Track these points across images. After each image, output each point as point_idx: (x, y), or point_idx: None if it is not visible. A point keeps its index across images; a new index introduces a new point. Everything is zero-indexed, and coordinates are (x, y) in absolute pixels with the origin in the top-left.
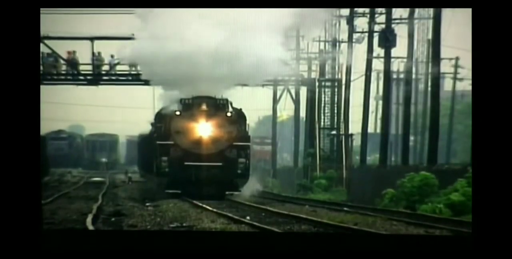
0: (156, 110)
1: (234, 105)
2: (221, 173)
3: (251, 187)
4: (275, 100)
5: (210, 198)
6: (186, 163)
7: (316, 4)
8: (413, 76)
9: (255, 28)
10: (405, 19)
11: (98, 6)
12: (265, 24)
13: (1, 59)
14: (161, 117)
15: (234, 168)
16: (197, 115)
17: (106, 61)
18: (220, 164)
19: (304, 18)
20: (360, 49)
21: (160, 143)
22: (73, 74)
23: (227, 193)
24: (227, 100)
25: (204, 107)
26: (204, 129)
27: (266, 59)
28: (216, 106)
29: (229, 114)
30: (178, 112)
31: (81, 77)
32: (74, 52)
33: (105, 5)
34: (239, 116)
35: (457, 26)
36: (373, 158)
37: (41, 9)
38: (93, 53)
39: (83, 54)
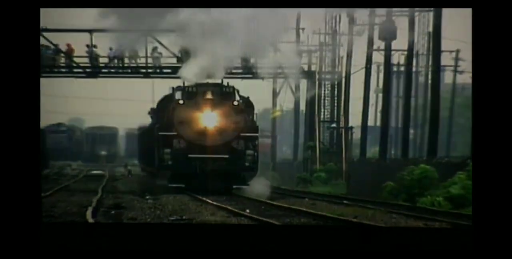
0: (156, 101)
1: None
2: (228, 165)
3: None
4: (275, 93)
5: (216, 193)
6: (190, 155)
7: (316, 4)
8: (413, 69)
9: (254, 23)
10: (405, 11)
11: (98, 6)
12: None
13: (0, 53)
14: (163, 107)
15: (241, 160)
16: (202, 104)
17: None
18: (226, 156)
19: (304, 11)
20: (361, 42)
21: (163, 134)
22: (72, 67)
23: (234, 187)
24: (233, 87)
25: (209, 95)
26: (209, 119)
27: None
28: (222, 95)
29: (236, 103)
30: (181, 101)
31: (80, 70)
32: (95, 46)
33: (105, 5)
34: (247, 105)
35: (458, 18)
36: (372, 151)
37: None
38: (92, 46)
39: (82, 47)
